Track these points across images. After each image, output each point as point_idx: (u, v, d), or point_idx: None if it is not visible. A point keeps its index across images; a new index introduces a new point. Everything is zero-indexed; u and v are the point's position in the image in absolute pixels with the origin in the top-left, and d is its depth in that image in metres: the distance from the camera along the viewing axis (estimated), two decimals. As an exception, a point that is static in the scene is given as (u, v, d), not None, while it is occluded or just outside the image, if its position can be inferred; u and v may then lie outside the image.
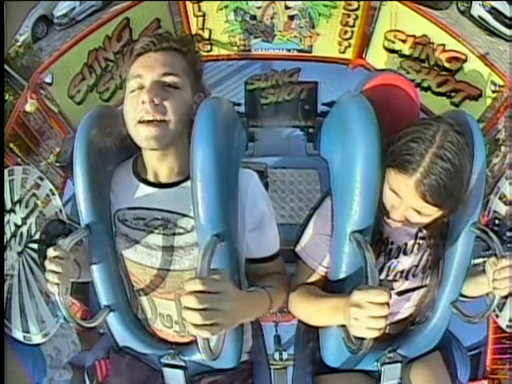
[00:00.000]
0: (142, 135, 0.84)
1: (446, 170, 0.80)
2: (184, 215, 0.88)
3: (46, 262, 0.83)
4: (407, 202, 0.85)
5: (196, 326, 0.69)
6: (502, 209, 1.50)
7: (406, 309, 0.99)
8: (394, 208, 0.87)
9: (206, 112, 0.83)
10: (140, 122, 0.84)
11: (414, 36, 1.89)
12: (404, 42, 1.93)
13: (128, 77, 0.88)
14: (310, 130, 1.69)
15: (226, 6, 1.99)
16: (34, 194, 1.49)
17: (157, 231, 0.89)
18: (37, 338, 1.46)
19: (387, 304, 0.73)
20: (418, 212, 0.85)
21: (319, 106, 1.67)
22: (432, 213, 0.85)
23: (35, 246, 1.46)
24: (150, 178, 0.91)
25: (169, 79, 0.85)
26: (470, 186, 0.85)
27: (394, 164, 0.84)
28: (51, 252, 0.83)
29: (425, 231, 0.95)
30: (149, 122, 0.83)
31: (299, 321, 1.08)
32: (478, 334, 1.60)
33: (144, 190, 0.90)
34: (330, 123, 0.99)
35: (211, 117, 0.82)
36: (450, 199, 0.82)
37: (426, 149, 0.81)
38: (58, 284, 0.83)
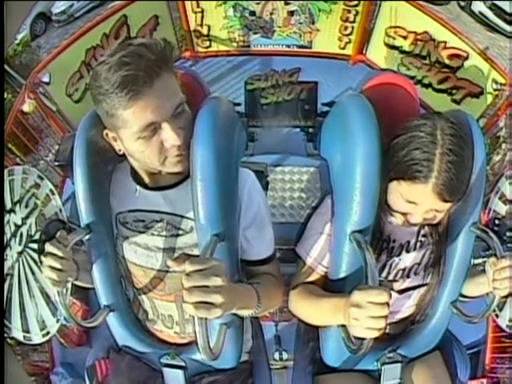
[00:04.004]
0: (171, 164, 0.82)
1: (455, 164, 0.81)
2: (183, 216, 0.88)
3: (43, 258, 0.82)
4: (426, 206, 0.85)
5: (192, 304, 0.68)
6: (502, 208, 1.50)
7: (406, 308, 0.99)
8: (411, 215, 0.87)
9: (206, 112, 0.83)
10: (170, 157, 0.81)
11: (414, 32, 1.88)
12: (405, 38, 1.92)
13: (126, 122, 0.76)
14: (310, 130, 1.68)
15: (224, 2, 1.98)
16: (33, 194, 1.48)
17: (156, 233, 0.89)
18: (37, 338, 1.47)
19: (387, 304, 0.73)
20: (437, 211, 0.86)
21: (319, 106, 1.66)
22: (448, 207, 0.86)
23: (35, 245, 1.46)
24: (148, 180, 0.90)
25: (180, 109, 0.80)
26: (471, 182, 0.86)
27: (406, 177, 0.84)
28: (49, 247, 0.81)
29: (427, 228, 0.95)
30: (179, 155, 0.81)
31: (299, 320, 1.08)
32: (478, 333, 1.60)
33: (143, 192, 0.90)
34: (330, 123, 0.98)
35: (211, 117, 0.82)
36: (462, 188, 0.84)
37: (432, 151, 0.81)
38: (55, 280, 0.81)
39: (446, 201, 0.83)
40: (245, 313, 0.87)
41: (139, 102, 0.75)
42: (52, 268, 0.81)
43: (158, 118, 0.77)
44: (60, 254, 0.81)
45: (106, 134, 0.84)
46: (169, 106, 0.78)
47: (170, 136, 0.78)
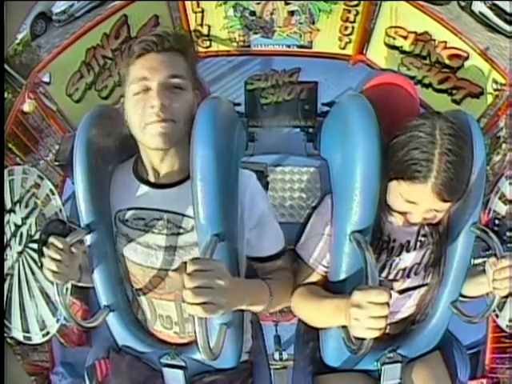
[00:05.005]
0: (151, 134, 0.83)
1: (454, 163, 0.81)
2: (183, 215, 0.88)
3: (45, 250, 0.83)
4: (425, 206, 0.85)
5: (191, 304, 0.68)
6: (502, 209, 1.50)
7: (407, 308, 0.99)
8: (411, 214, 0.88)
9: (205, 112, 0.83)
10: (149, 123, 0.83)
11: (415, 32, 1.88)
12: (405, 38, 1.92)
13: (129, 78, 0.86)
14: (310, 130, 1.68)
15: (225, 2, 1.97)
16: (33, 194, 1.49)
17: (157, 231, 0.89)
18: (37, 338, 1.47)
19: (387, 304, 0.73)
20: (436, 210, 0.86)
21: (319, 106, 1.66)
22: (447, 207, 0.86)
23: (35, 245, 1.47)
24: (151, 178, 0.91)
25: (175, 81, 0.85)
26: (470, 182, 0.86)
27: (405, 177, 0.84)
28: (51, 240, 0.83)
29: (427, 228, 0.95)
30: (158, 121, 0.82)
31: (299, 320, 1.08)
32: (478, 333, 1.60)
33: (144, 190, 0.90)
34: (330, 123, 0.99)
35: (211, 117, 0.82)
36: (461, 188, 0.84)
37: (431, 151, 0.81)
38: (55, 273, 0.82)
39: (445, 200, 0.83)
40: (257, 309, 0.88)
41: (142, 60, 0.85)
42: (52, 259, 0.82)
43: (150, 76, 0.83)
44: (60, 245, 0.82)
45: (122, 103, 0.90)
46: (165, 72, 0.84)
47: (153, 95, 0.82)
